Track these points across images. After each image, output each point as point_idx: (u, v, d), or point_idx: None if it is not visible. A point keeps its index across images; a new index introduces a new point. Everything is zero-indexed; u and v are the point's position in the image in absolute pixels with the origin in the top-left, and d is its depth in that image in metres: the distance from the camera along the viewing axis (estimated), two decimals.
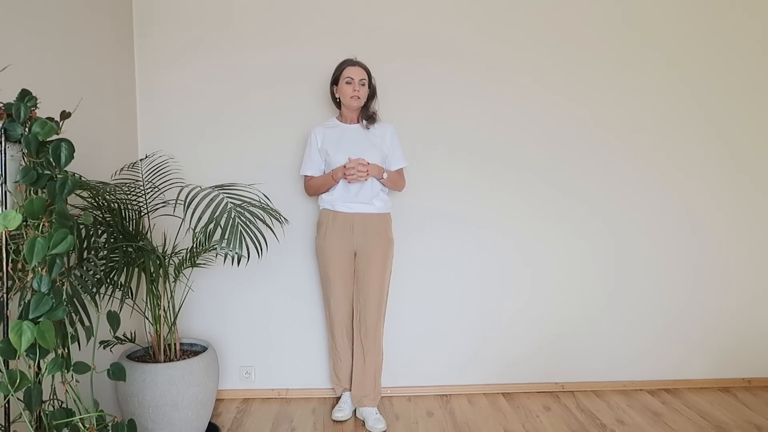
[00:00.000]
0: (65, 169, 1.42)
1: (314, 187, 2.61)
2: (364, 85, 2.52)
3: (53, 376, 1.49)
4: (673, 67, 2.91)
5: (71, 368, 1.51)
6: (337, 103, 2.60)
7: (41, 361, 1.41)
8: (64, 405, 1.52)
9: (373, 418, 2.53)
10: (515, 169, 2.89)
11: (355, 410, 2.68)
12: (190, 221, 1.92)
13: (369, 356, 2.59)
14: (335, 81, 2.55)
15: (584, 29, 2.87)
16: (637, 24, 2.89)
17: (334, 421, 2.61)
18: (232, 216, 1.95)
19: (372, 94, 2.58)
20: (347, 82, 2.50)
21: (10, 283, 1.42)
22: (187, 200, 1.96)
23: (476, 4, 2.83)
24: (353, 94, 2.50)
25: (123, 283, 2.10)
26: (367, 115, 2.58)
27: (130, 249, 2.11)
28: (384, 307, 2.62)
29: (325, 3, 2.80)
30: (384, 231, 2.58)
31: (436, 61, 2.83)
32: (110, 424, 1.57)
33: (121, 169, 2.50)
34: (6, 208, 1.39)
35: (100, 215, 2.09)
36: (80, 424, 1.50)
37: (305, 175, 2.64)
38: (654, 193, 2.95)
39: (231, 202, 2.00)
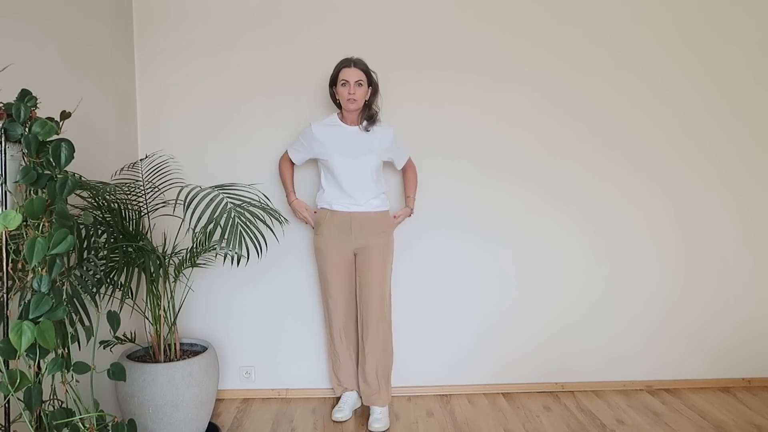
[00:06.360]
0: (65, 169, 1.42)
1: (281, 175, 2.71)
2: (361, 85, 2.47)
3: (53, 376, 1.49)
4: (667, 72, 2.91)
5: (71, 368, 1.51)
6: (338, 104, 2.57)
7: (41, 361, 1.41)
8: (64, 405, 1.52)
9: (374, 416, 2.53)
10: (513, 172, 2.89)
11: (355, 410, 2.68)
12: (190, 221, 1.92)
13: (371, 356, 2.58)
14: (333, 82, 2.52)
15: (580, 36, 2.86)
16: (631, 31, 2.88)
17: (334, 421, 2.61)
18: (232, 216, 1.95)
19: (374, 91, 2.54)
20: (342, 85, 2.46)
21: (10, 283, 1.42)
22: (187, 200, 1.96)
23: (476, 12, 2.83)
24: (349, 97, 2.45)
25: (123, 283, 2.10)
26: (368, 114, 2.54)
27: (130, 249, 2.11)
28: (387, 305, 2.61)
29: (329, 8, 2.80)
30: (383, 229, 2.56)
31: (435, 69, 2.83)
32: (110, 424, 1.57)
33: (121, 169, 2.50)
34: (6, 208, 1.39)
35: (100, 215, 2.09)
36: (80, 424, 1.50)
37: (287, 154, 2.67)
38: (652, 192, 2.95)
39: (231, 202, 2.00)
